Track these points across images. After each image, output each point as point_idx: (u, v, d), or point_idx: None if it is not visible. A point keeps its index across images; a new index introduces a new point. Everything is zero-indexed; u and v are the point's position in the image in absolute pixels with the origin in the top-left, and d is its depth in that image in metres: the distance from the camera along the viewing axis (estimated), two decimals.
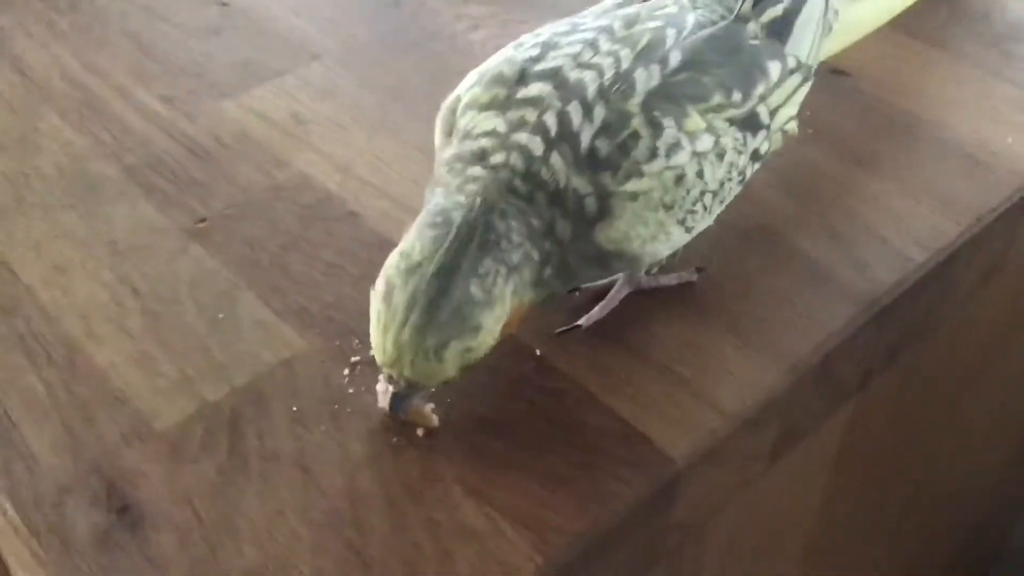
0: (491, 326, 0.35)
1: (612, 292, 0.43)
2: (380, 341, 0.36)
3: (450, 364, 0.35)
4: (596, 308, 0.43)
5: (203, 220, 0.47)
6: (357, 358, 0.41)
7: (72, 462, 0.38)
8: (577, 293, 0.44)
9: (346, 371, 0.41)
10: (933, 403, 0.61)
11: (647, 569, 0.41)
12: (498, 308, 0.35)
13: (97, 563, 0.35)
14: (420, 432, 0.38)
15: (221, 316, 0.43)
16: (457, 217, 0.36)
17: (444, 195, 0.37)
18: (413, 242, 0.36)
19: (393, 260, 0.36)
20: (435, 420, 0.38)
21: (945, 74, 0.57)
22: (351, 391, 0.40)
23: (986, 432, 0.75)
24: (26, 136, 0.52)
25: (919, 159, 0.51)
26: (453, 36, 0.60)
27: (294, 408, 0.39)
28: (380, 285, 0.36)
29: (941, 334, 0.53)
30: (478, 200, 0.36)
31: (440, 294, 0.35)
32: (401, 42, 0.59)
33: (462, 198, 0.37)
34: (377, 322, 0.36)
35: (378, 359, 0.36)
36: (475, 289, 0.35)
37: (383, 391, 0.39)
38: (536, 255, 0.37)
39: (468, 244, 0.35)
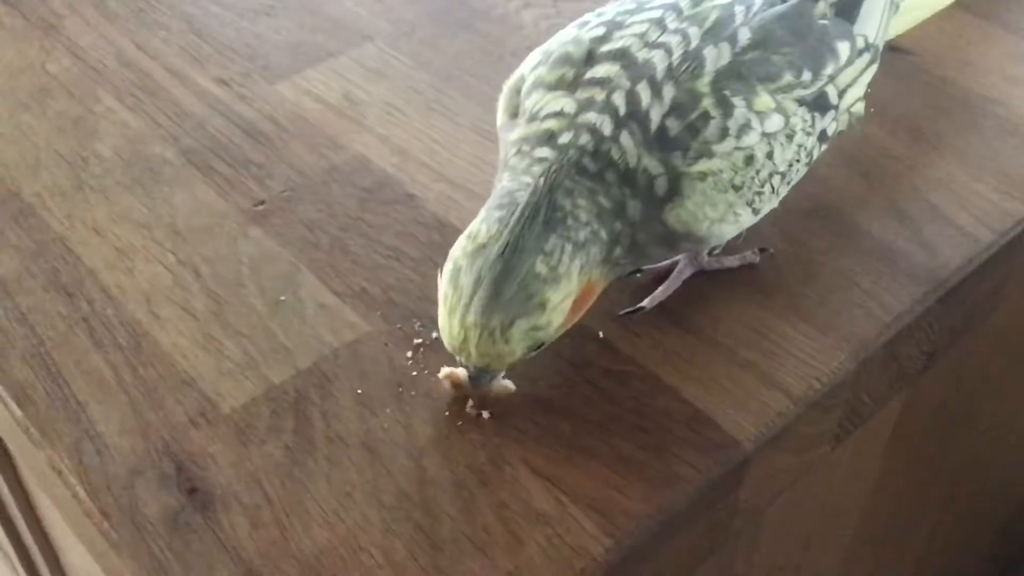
0: (557, 303, 0.35)
1: (675, 273, 0.43)
2: (447, 323, 0.35)
3: (517, 343, 0.35)
4: (659, 289, 0.42)
5: (262, 202, 0.47)
6: (420, 340, 0.41)
7: (141, 444, 0.38)
8: (639, 275, 0.43)
9: (409, 353, 0.41)
10: (986, 383, 0.60)
11: (709, 553, 0.41)
12: (564, 285, 0.35)
13: (169, 545, 0.35)
14: (486, 414, 0.38)
15: (283, 298, 0.43)
16: (523, 197, 0.35)
17: (511, 177, 0.37)
18: (480, 224, 0.36)
19: (460, 243, 0.36)
20: (511, 387, 0.38)
21: (1006, 51, 0.56)
22: (415, 373, 0.40)
23: None
24: (83, 119, 0.52)
25: (982, 138, 0.50)
26: (504, 15, 0.59)
27: (359, 390, 0.39)
28: (447, 268, 0.36)
29: (1000, 314, 0.52)
30: (542, 180, 0.36)
31: (505, 273, 0.34)
32: (452, 22, 0.59)
33: (528, 179, 0.36)
34: (444, 304, 0.35)
35: (446, 343, 0.36)
36: (540, 266, 0.35)
37: (443, 375, 0.39)
38: (604, 234, 0.36)
39: (533, 222, 0.35)
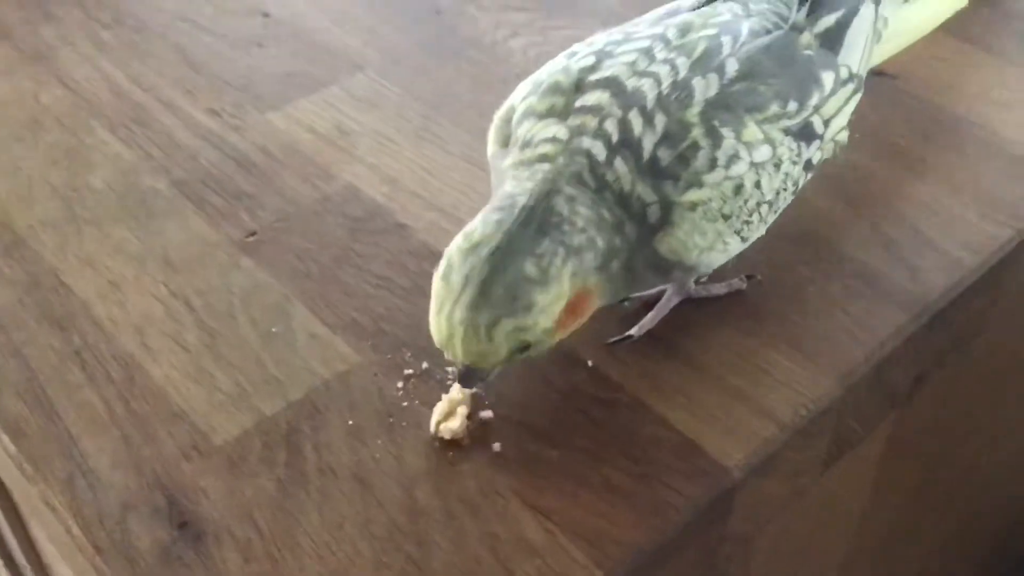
0: (545, 305, 0.35)
1: (663, 301, 0.43)
2: (435, 320, 0.36)
3: (501, 343, 0.35)
4: (647, 317, 0.43)
5: (253, 233, 0.48)
6: (410, 371, 0.41)
7: (133, 477, 0.38)
8: (627, 303, 0.44)
9: (400, 384, 0.41)
10: (974, 403, 0.61)
11: None
12: (554, 288, 0.35)
13: None
14: (497, 446, 0.38)
15: (275, 330, 0.43)
16: (521, 200, 0.36)
17: (513, 185, 0.37)
18: (476, 224, 0.36)
19: (456, 241, 0.36)
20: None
21: (990, 75, 0.57)
22: (405, 404, 0.40)
23: None
24: (75, 151, 0.53)
25: (967, 162, 0.51)
26: (493, 43, 0.60)
27: (350, 422, 0.40)
28: (441, 265, 0.36)
29: (986, 336, 0.52)
30: (541, 185, 0.36)
31: (495, 272, 0.35)
32: (442, 51, 0.59)
33: (530, 184, 0.37)
34: (434, 301, 0.36)
35: (434, 339, 0.36)
36: (530, 267, 0.35)
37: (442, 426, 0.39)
38: (601, 243, 0.36)
39: (528, 225, 0.35)
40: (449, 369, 0.41)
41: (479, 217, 0.36)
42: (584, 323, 0.38)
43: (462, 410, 0.39)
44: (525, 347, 0.36)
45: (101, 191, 0.50)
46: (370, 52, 0.59)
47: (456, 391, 0.39)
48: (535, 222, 0.35)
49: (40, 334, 0.43)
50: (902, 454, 0.54)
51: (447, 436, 0.38)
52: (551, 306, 0.35)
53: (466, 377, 0.37)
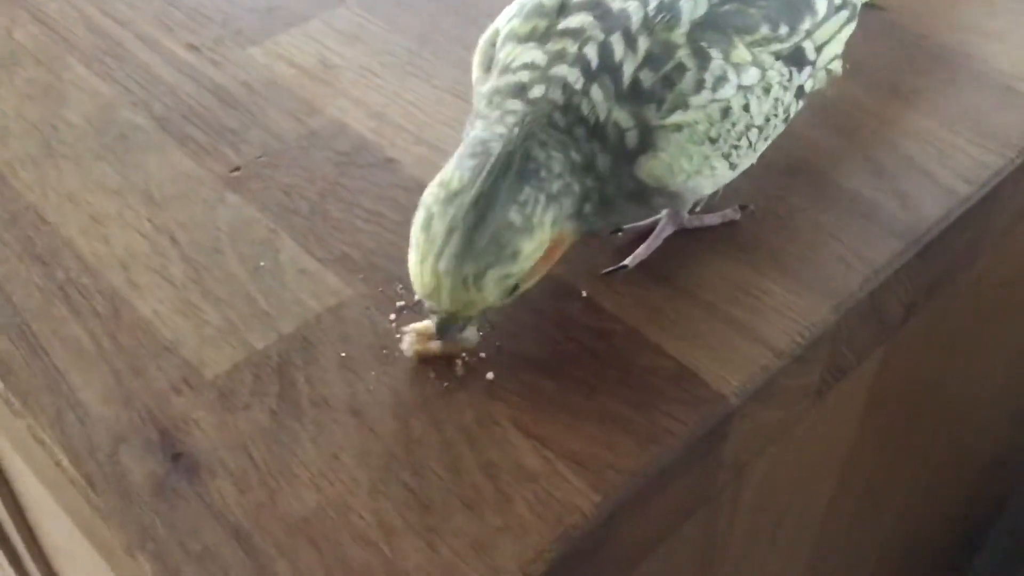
0: (529, 252, 0.35)
1: (656, 231, 0.43)
2: (418, 271, 0.35)
3: (489, 292, 0.35)
4: (641, 247, 0.42)
5: (237, 168, 0.47)
6: (402, 303, 0.41)
7: (123, 411, 0.37)
8: (620, 233, 0.43)
9: (392, 316, 0.40)
10: (961, 338, 0.61)
11: (695, 509, 0.41)
12: (537, 235, 0.35)
13: (156, 511, 0.35)
14: (460, 366, 0.38)
15: (263, 264, 0.43)
16: (496, 147, 0.35)
17: (483, 127, 0.37)
18: (452, 172, 0.35)
19: (432, 190, 0.35)
20: (475, 339, 0.38)
21: (980, 6, 0.56)
22: (398, 336, 0.40)
23: (1008, 368, 0.75)
24: (52, 86, 0.51)
25: (958, 92, 0.51)
26: None
27: (342, 354, 0.39)
28: (419, 215, 0.35)
29: (975, 269, 0.53)
30: (515, 131, 0.35)
31: (478, 221, 0.34)
32: None
33: (502, 129, 0.36)
34: (416, 252, 0.35)
35: (416, 289, 0.36)
36: (514, 215, 0.35)
37: (410, 337, 0.38)
38: (577, 187, 0.36)
39: (507, 172, 0.35)
40: None
41: (452, 163, 0.36)
42: (571, 254, 0.38)
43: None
44: (512, 291, 0.36)
45: (79, 126, 0.49)
46: None
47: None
48: (513, 169, 0.35)
49: (22, 270, 0.42)
50: (890, 387, 0.54)
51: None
52: (535, 252, 0.35)
53: (445, 326, 0.37)
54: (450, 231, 0.34)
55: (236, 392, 0.38)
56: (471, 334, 0.38)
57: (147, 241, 0.44)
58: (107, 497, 0.35)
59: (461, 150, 0.36)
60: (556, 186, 0.36)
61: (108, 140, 0.48)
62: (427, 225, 0.35)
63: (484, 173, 0.35)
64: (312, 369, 0.39)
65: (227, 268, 0.42)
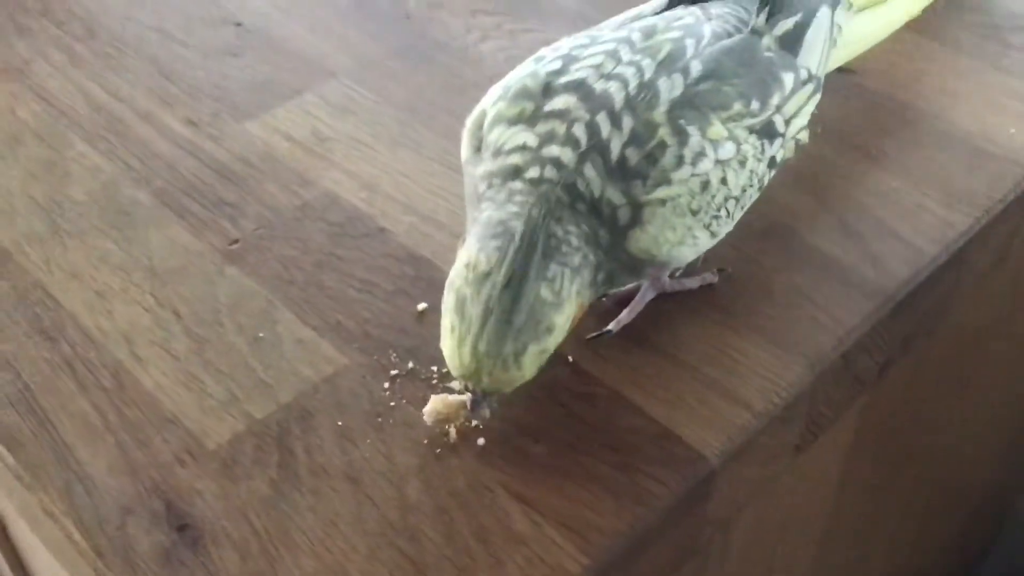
0: (562, 325, 0.37)
1: (638, 296, 0.45)
2: (456, 353, 0.37)
3: (528, 368, 0.37)
4: (624, 312, 0.44)
5: (236, 241, 0.49)
6: (396, 371, 0.43)
7: (130, 483, 0.39)
8: (604, 299, 0.45)
9: (386, 384, 0.42)
10: (941, 385, 0.63)
11: (682, 563, 0.43)
12: (567, 308, 0.37)
13: None
14: (452, 434, 0.40)
15: (262, 335, 0.44)
16: (517, 226, 0.37)
17: (495, 208, 0.38)
18: (477, 253, 0.37)
19: (459, 272, 0.37)
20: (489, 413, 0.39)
21: (946, 67, 0.59)
22: (392, 404, 0.41)
23: (991, 407, 0.77)
24: (55, 164, 0.53)
25: (926, 153, 0.53)
26: (464, 47, 0.61)
27: (339, 423, 0.41)
28: (449, 298, 0.37)
29: (950, 320, 0.55)
30: (533, 210, 0.37)
31: (513, 301, 0.36)
32: (414, 55, 0.60)
33: (514, 208, 0.38)
34: (451, 334, 0.37)
35: (454, 371, 0.37)
36: (545, 292, 0.36)
37: (427, 413, 0.40)
38: (592, 258, 0.38)
39: (533, 251, 0.37)
40: (434, 368, 0.42)
41: (474, 245, 0.37)
42: None
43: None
44: (543, 366, 0.38)
45: (83, 203, 0.51)
46: (343, 58, 0.60)
47: (453, 397, 0.40)
48: (539, 247, 0.37)
49: (30, 346, 0.44)
50: (872, 437, 0.56)
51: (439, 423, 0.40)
52: (565, 324, 0.37)
53: (478, 403, 0.38)
54: (486, 312, 0.36)
55: (238, 462, 0.40)
56: (487, 409, 0.40)
57: (150, 315, 0.45)
58: (116, 568, 0.36)
59: (480, 231, 0.38)
60: (577, 259, 0.38)
61: (111, 216, 0.50)
62: (460, 308, 0.37)
63: (511, 253, 0.36)
64: (310, 438, 0.40)
65: (227, 340, 0.44)
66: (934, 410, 0.65)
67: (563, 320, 0.37)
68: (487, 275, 0.36)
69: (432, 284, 0.46)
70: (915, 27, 0.60)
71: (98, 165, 0.53)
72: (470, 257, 0.37)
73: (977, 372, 0.68)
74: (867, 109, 0.55)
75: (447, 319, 0.37)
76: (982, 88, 0.57)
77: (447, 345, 0.37)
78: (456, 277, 0.37)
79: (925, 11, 0.57)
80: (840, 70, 0.56)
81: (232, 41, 0.62)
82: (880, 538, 0.72)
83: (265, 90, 0.58)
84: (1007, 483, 0.97)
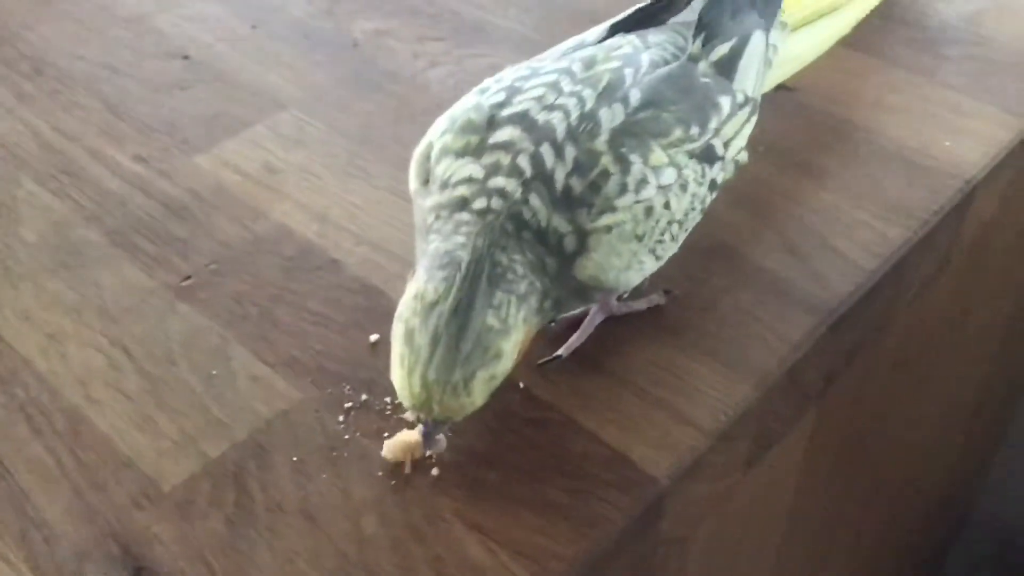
0: (510, 352, 0.38)
1: (587, 320, 0.46)
2: (406, 383, 0.37)
3: (478, 395, 0.38)
4: (573, 337, 0.45)
5: (188, 278, 0.49)
6: (350, 404, 0.43)
7: (86, 528, 0.39)
8: (554, 324, 0.46)
9: (341, 417, 0.43)
10: (892, 391, 0.64)
11: None
12: (514, 335, 0.38)
13: None
14: (407, 464, 0.40)
15: (215, 372, 0.45)
16: (463, 256, 0.38)
17: (442, 239, 0.39)
18: (424, 284, 0.38)
19: (408, 303, 0.38)
20: (444, 444, 0.40)
21: (882, 81, 0.60)
22: (347, 437, 0.42)
23: (944, 407, 0.79)
24: (5, 204, 0.53)
25: (864, 168, 0.54)
26: (413, 75, 0.62)
27: (294, 458, 0.41)
28: (398, 329, 0.38)
29: (892, 331, 0.56)
30: (479, 240, 0.38)
31: (460, 329, 0.37)
32: (363, 84, 0.61)
33: (461, 239, 0.39)
34: (400, 365, 0.37)
35: (405, 402, 0.38)
36: (492, 319, 0.37)
37: (386, 453, 0.41)
38: (539, 284, 0.39)
39: (478, 279, 0.37)
40: (387, 399, 0.43)
41: (422, 277, 0.38)
42: None
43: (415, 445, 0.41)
44: (492, 393, 0.38)
45: (34, 244, 0.51)
46: (292, 89, 0.61)
47: (410, 435, 0.41)
48: (483, 276, 0.37)
49: None
50: (822, 448, 0.57)
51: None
52: (513, 350, 0.38)
53: (431, 434, 0.39)
54: (434, 341, 0.37)
55: (194, 503, 0.40)
56: (442, 439, 0.40)
57: (103, 356, 0.46)
58: None
59: (428, 263, 0.38)
60: (523, 286, 0.38)
61: (62, 256, 0.50)
62: (409, 338, 0.37)
63: (457, 282, 0.37)
64: (266, 475, 0.41)
65: (181, 378, 0.45)
66: (887, 415, 0.66)
67: (510, 346, 0.38)
68: (434, 304, 0.37)
69: (384, 314, 0.46)
70: (851, 43, 0.61)
71: (48, 205, 0.53)
72: (418, 288, 0.38)
73: (929, 373, 0.70)
74: (807, 126, 0.57)
75: (396, 350, 0.38)
76: (918, 101, 0.58)
77: (397, 375, 0.38)
78: (405, 308, 0.38)
79: (859, 27, 0.58)
80: (779, 88, 0.57)
81: (180, 75, 0.62)
82: (841, 540, 0.74)
83: (215, 123, 0.58)
84: (967, 478, 0.99)
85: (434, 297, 0.37)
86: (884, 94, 0.59)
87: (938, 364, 0.70)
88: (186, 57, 0.63)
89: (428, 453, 0.40)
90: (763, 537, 0.59)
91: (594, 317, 0.46)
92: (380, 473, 0.41)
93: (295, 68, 0.62)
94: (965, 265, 0.61)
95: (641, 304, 0.47)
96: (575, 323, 0.46)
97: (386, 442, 0.41)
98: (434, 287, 0.37)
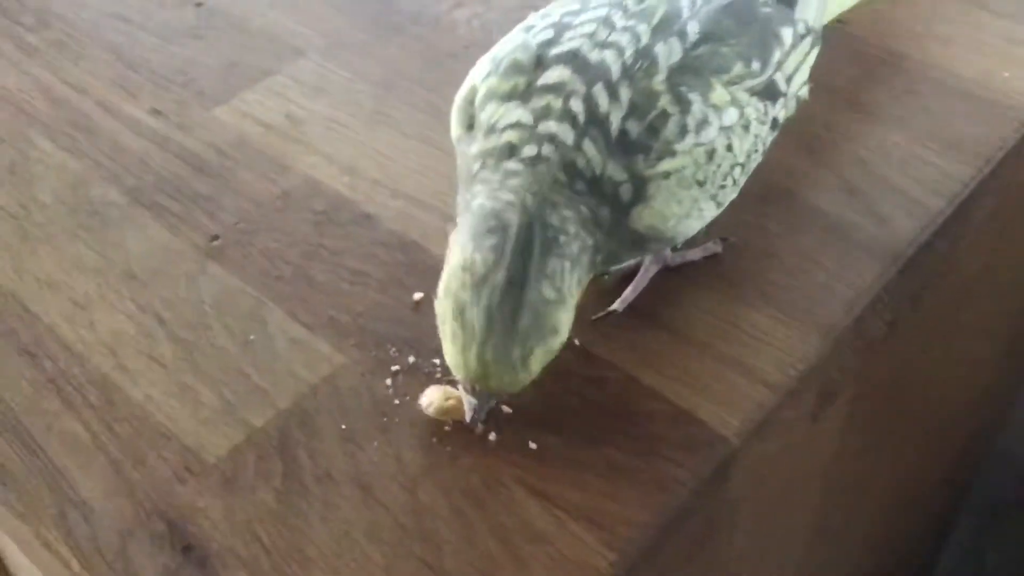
0: (567, 322, 0.36)
1: (641, 272, 0.43)
2: (461, 360, 0.35)
3: (535, 369, 0.36)
4: (628, 290, 0.43)
5: (216, 237, 0.47)
6: (397, 367, 0.41)
7: (128, 504, 0.37)
8: (607, 276, 0.43)
9: (388, 381, 0.40)
10: (937, 338, 0.62)
11: (703, 546, 0.42)
12: (570, 303, 0.36)
13: None
14: (493, 436, 0.38)
15: (252, 337, 0.42)
16: (512, 219, 0.35)
17: (488, 195, 0.36)
18: (472, 253, 0.35)
19: (455, 274, 0.35)
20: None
21: (933, 12, 0.57)
22: (396, 402, 0.40)
23: (975, 353, 0.77)
24: (18, 165, 0.51)
25: (920, 103, 0.51)
26: (437, 17, 0.59)
27: (343, 425, 0.39)
28: (447, 304, 0.35)
29: (957, 273, 0.54)
30: (528, 197, 0.35)
31: (516, 305, 0.34)
32: (385, 28, 0.58)
33: (509, 195, 0.36)
34: (453, 342, 0.35)
35: (460, 376, 0.36)
36: (547, 291, 0.35)
37: (426, 404, 0.39)
38: (590, 241, 0.36)
39: (530, 247, 0.35)
40: (435, 361, 0.41)
41: (469, 244, 0.35)
42: None
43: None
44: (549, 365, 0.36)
45: (51, 206, 0.49)
46: (311, 35, 0.58)
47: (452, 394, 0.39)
48: (536, 242, 0.35)
49: (9, 365, 0.42)
50: (870, 395, 0.55)
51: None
52: (569, 319, 0.36)
53: (482, 406, 0.37)
54: (488, 319, 0.34)
55: (240, 475, 0.38)
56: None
57: (132, 322, 0.43)
58: None
59: (474, 225, 0.36)
60: (575, 247, 0.36)
61: (82, 218, 0.48)
62: (460, 315, 0.35)
63: (508, 252, 0.35)
64: (314, 444, 0.39)
65: (217, 344, 0.42)
66: (930, 359, 0.64)
67: (568, 316, 0.36)
68: (485, 278, 0.35)
69: (426, 270, 0.44)
70: None
71: (63, 163, 0.51)
72: (465, 258, 0.35)
73: (966, 321, 0.67)
74: (857, 60, 0.54)
75: (448, 326, 0.35)
76: (971, 31, 0.56)
77: (450, 352, 0.36)
78: (452, 280, 0.35)
79: None
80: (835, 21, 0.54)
81: (193, 22, 0.59)
82: (871, 495, 0.72)
83: (232, 73, 0.55)
84: (993, 417, 0.98)
85: (484, 270, 0.35)
86: (935, 25, 0.56)
87: (976, 309, 0.68)
88: (199, 4, 0.60)
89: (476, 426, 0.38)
90: (804, 489, 0.57)
91: (648, 268, 0.43)
92: (434, 439, 0.38)
93: (313, 12, 0.59)
94: (1017, 198, 0.58)
95: (697, 253, 0.44)
96: (628, 276, 0.43)
97: (424, 398, 0.39)
98: (482, 257, 0.35)
